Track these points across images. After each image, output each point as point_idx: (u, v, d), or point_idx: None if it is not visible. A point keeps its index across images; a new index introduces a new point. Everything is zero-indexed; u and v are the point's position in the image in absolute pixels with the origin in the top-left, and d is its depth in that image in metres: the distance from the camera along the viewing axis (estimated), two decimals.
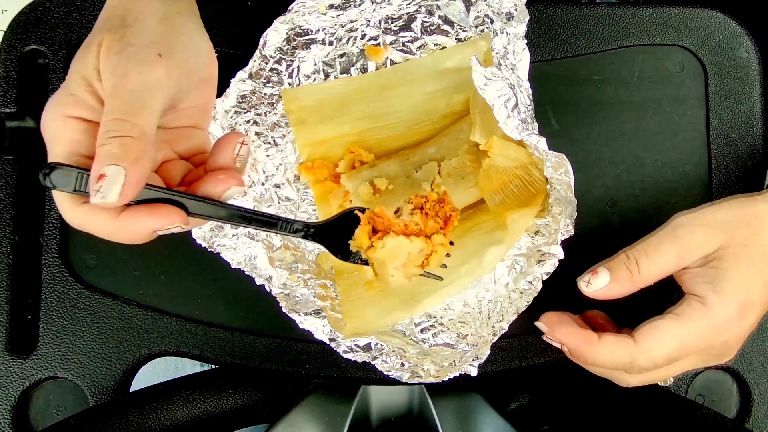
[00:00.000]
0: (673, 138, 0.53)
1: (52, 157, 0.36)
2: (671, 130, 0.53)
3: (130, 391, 0.51)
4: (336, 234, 0.44)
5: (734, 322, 0.42)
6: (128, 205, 0.35)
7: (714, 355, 0.44)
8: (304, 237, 0.43)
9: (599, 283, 0.43)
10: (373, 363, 0.47)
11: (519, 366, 0.51)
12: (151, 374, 0.59)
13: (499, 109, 0.41)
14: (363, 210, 0.44)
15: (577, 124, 0.53)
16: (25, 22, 0.51)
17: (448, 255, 0.45)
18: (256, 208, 0.49)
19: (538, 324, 0.46)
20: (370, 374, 0.50)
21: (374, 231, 0.44)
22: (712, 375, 0.52)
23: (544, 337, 0.45)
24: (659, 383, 0.49)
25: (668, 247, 0.43)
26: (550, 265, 0.46)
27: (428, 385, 0.54)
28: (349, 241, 0.44)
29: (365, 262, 0.45)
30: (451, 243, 0.45)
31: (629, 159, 0.53)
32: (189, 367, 0.65)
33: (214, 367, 0.59)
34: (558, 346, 0.45)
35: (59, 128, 0.36)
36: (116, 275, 0.51)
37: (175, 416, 0.49)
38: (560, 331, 0.44)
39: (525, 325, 0.49)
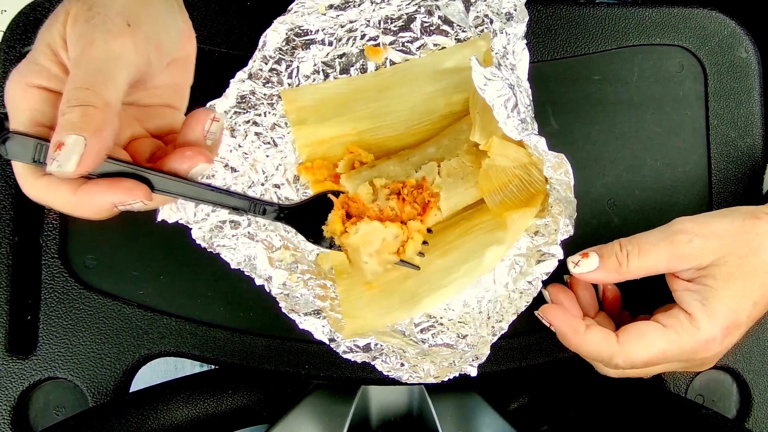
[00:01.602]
0: (673, 138, 0.53)
1: (13, 126, 0.35)
2: (671, 130, 0.53)
3: (130, 391, 0.51)
4: (310, 217, 0.43)
5: (717, 342, 0.43)
6: (89, 179, 0.34)
7: (692, 366, 0.46)
8: (276, 219, 0.42)
9: (587, 267, 0.44)
10: (372, 363, 0.47)
11: (519, 366, 0.51)
12: (151, 374, 0.59)
13: (499, 109, 0.41)
14: (337, 194, 0.43)
15: (577, 124, 0.53)
16: (24, 22, 0.51)
17: (425, 243, 0.44)
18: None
19: (544, 291, 0.48)
20: (369, 374, 0.50)
21: (348, 216, 0.42)
22: (712, 375, 0.52)
23: (536, 312, 0.46)
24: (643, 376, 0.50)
25: (662, 250, 0.43)
26: (550, 266, 0.46)
27: (428, 385, 0.54)
28: (323, 226, 0.43)
29: (339, 248, 0.43)
30: (429, 231, 0.44)
31: (629, 159, 0.52)
32: (189, 367, 0.64)
33: (213, 367, 0.59)
34: (547, 324, 0.46)
35: (21, 97, 0.35)
36: (116, 276, 0.51)
37: (175, 416, 0.49)
38: (552, 313, 0.45)
39: (525, 325, 0.50)
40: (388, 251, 0.43)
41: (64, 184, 0.34)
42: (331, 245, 0.43)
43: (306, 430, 0.52)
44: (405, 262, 0.44)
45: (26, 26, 0.51)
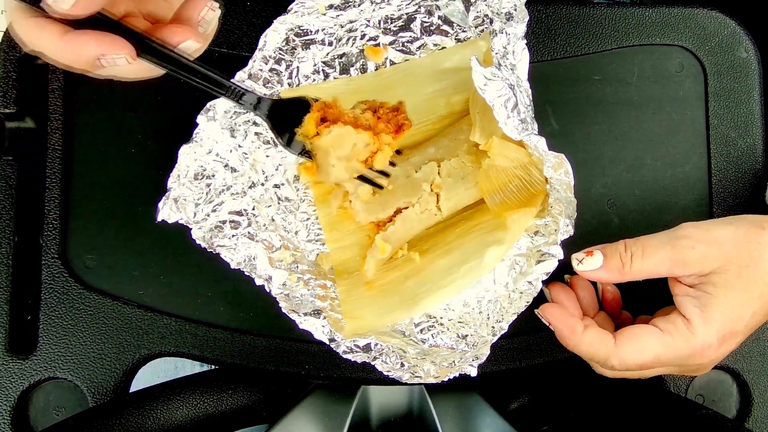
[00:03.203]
0: (673, 138, 0.53)
1: None
2: (671, 130, 0.53)
3: (130, 391, 0.51)
4: (286, 118, 0.44)
5: (712, 349, 0.43)
6: (80, 28, 0.36)
7: (687, 371, 0.46)
8: (254, 109, 0.42)
9: (591, 265, 0.45)
10: (372, 363, 0.47)
11: (519, 366, 0.51)
12: (151, 374, 0.59)
13: (499, 109, 0.41)
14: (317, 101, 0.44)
15: (577, 124, 0.53)
16: None
17: (393, 165, 0.45)
18: (255, 209, 0.49)
19: (545, 289, 0.48)
20: (369, 374, 0.50)
21: (323, 121, 0.43)
22: (712, 375, 0.52)
23: (535, 311, 0.46)
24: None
25: (665, 254, 0.43)
26: (550, 266, 0.46)
27: (428, 385, 0.54)
28: (296, 129, 0.44)
29: (308, 155, 0.44)
30: (399, 152, 0.45)
31: (629, 159, 0.53)
32: (189, 367, 0.64)
33: (213, 367, 0.59)
34: (546, 323, 0.46)
35: None
36: (116, 276, 0.51)
37: (175, 417, 0.49)
38: (550, 312, 0.45)
39: (525, 325, 0.50)
40: (357, 158, 0.44)
41: (53, 27, 0.35)
42: (302, 152, 0.44)
43: (306, 430, 0.52)
44: (368, 180, 0.45)
45: None
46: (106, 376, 0.50)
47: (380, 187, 0.46)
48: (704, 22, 0.53)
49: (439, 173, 0.49)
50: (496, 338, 0.47)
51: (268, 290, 0.48)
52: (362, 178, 0.47)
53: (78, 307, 0.50)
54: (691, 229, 0.44)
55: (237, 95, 0.42)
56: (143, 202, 0.50)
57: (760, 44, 0.53)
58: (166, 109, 0.51)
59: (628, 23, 0.53)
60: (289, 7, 0.48)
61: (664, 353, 0.43)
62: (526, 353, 0.51)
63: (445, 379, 0.46)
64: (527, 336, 0.51)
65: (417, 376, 0.46)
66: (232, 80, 0.41)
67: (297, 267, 0.49)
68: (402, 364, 0.47)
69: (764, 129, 0.53)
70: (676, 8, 0.53)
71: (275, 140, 0.46)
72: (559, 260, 0.46)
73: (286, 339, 0.50)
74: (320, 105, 0.43)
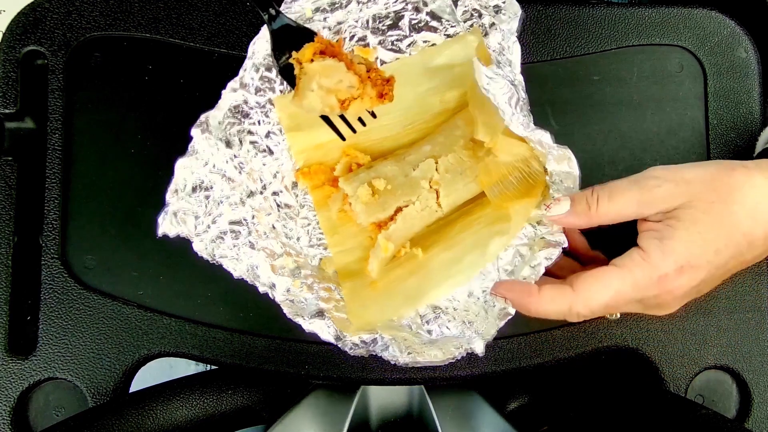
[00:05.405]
0: (673, 138, 0.53)
1: None
2: (671, 130, 0.53)
3: (130, 391, 0.51)
4: (289, 41, 0.46)
5: (669, 279, 0.42)
6: None
7: (650, 306, 0.45)
8: (269, 22, 0.45)
9: (558, 210, 0.45)
10: (380, 354, 0.46)
11: (519, 366, 0.51)
12: (147, 374, 0.59)
13: (504, 106, 0.41)
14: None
15: (577, 124, 0.53)
16: (24, 22, 0.51)
17: (363, 124, 0.47)
18: (254, 217, 0.49)
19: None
20: (369, 374, 0.50)
21: (322, 54, 0.45)
22: (712, 375, 0.52)
23: (490, 292, 0.46)
24: (607, 316, 0.49)
25: (631, 194, 0.43)
26: (554, 252, 0.46)
27: (428, 385, 0.54)
28: (293, 52, 0.45)
29: (292, 81, 0.45)
30: (374, 115, 0.47)
31: (629, 159, 0.52)
32: (183, 365, 0.64)
33: (211, 367, 0.59)
34: (503, 301, 0.46)
35: None
36: (115, 276, 0.51)
37: (175, 417, 0.49)
38: (502, 286, 0.45)
39: (525, 326, 0.50)
40: (337, 96, 0.45)
41: None
42: (286, 72, 0.46)
43: (306, 430, 0.52)
44: (332, 125, 0.47)
45: (26, 26, 0.51)
46: (106, 376, 0.50)
47: (342, 138, 0.47)
48: (704, 22, 0.53)
49: (437, 170, 0.49)
50: (503, 322, 0.46)
51: (272, 297, 0.47)
52: (327, 121, 0.48)
53: (78, 307, 0.50)
54: (659, 171, 0.44)
55: (263, 4, 0.44)
56: (143, 203, 0.50)
57: (760, 44, 0.53)
58: (166, 109, 0.51)
59: (627, 23, 0.53)
60: None
61: (623, 287, 0.42)
62: (526, 353, 0.51)
63: (452, 359, 0.45)
64: (527, 336, 0.51)
65: (425, 361, 0.46)
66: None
67: (300, 273, 0.49)
68: (409, 353, 0.46)
69: (763, 129, 0.53)
70: (676, 8, 0.53)
71: (272, 61, 0.47)
72: (563, 248, 0.46)
73: (285, 339, 0.50)
74: (326, 41, 0.45)
